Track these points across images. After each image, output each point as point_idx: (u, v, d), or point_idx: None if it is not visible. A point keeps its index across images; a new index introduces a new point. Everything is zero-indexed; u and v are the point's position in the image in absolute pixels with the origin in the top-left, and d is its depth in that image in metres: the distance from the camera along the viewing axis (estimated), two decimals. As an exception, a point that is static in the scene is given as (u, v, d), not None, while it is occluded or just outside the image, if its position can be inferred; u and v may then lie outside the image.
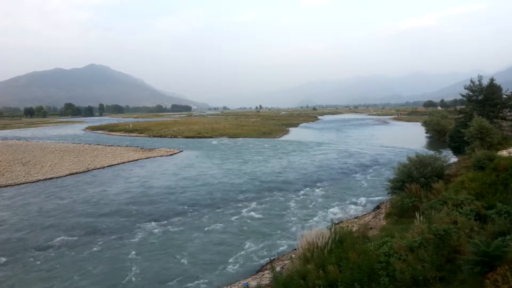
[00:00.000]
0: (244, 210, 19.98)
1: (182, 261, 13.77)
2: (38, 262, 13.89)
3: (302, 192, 23.96)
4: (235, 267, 13.20)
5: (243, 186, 25.91)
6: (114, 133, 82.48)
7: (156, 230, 17.13)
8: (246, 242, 15.37)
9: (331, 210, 19.75)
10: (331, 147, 49.11)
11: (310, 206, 20.69)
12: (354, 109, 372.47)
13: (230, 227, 17.42)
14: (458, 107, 43.26)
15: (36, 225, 18.13)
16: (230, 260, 13.69)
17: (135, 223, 18.09)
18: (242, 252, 14.38)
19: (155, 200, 22.34)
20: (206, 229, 17.15)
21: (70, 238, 16.25)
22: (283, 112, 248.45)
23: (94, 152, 45.07)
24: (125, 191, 24.85)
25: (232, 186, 25.97)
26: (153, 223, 18.12)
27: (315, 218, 18.24)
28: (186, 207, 20.72)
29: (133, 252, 14.56)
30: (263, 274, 12.11)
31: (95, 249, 15.04)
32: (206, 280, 12.21)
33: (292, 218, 18.48)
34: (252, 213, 19.44)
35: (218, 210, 20.13)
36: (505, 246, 7.36)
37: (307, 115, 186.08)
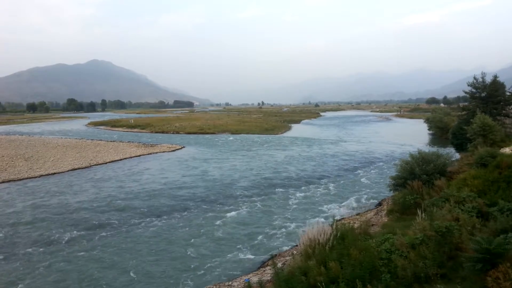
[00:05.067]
0: (246, 206, 20.02)
1: (185, 255, 13.82)
2: (38, 258, 13.96)
3: (304, 188, 23.97)
4: (237, 263, 13.24)
5: (245, 182, 25.93)
6: (116, 128, 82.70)
7: (159, 225, 17.20)
8: (248, 238, 15.41)
9: (333, 206, 19.77)
10: (333, 144, 49.06)
11: (312, 202, 20.71)
12: (357, 105, 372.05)
13: (231, 222, 17.44)
14: (461, 104, 43.16)
15: (38, 220, 18.19)
16: (232, 256, 13.73)
17: (137, 218, 18.14)
18: (244, 248, 14.42)
19: (157, 196, 22.39)
20: (207, 224, 17.20)
21: (73, 233, 16.31)
22: (285, 109, 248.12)
23: (96, 148, 45.18)
24: (126, 187, 24.92)
25: (234, 182, 26.00)
26: (155, 218, 18.19)
27: (316, 214, 18.26)
28: (188, 203, 20.77)
29: (137, 246, 14.65)
30: (264, 270, 12.14)
31: (96, 244, 15.12)
32: (208, 276, 12.26)
33: (294, 214, 18.51)
34: (254, 209, 19.49)
35: (220, 206, 20.17)
36: (507, 244, 7.34)
37: (309, 111, 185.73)
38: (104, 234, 16.22)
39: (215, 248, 14.50)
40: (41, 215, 18.99)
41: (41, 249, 14.65)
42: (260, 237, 15.55)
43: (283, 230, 16.33)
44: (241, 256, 13.75)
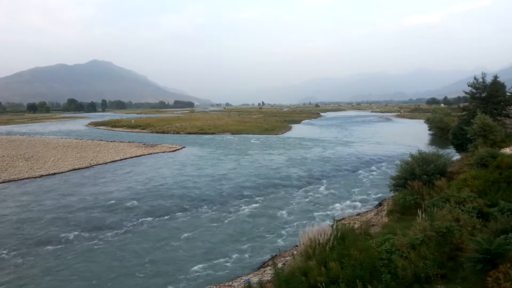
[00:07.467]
0: (246, 206, 20.02)
1: (184, 255, 13.83)
2: (39, 258, 13.98)
3: (304, 189, 23.97)
4: (237, 263, 13.25)
5: (245, 182, 25.93)
6: (116, 129, 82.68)
7: (158, 225, 17.22)
8: (248, 238, 15.41)
9: (333, 206, 19.76)
10: (333, 144, 49.06)
11: (312, 202, 20.71)
12: (357, 106, 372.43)
13: (232, 223, 17.46)
14: (461, 105, 43.16)
15: (38, 220, 18.19)
16: (232, 256, 13.73)
17: (137, 219, 18.14)
18: (243, 248, 14.42)
19: (157, 196, 22.37)
20: (208, 224, 17.21)
21: (73, 233, 16.31)
22: (286, 109, 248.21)
23: (96, 148, 45.19)
24: (126, 188, 24.91)
25: (235, 182, 26.00)
26: (155, 218, 18.20)
27: (317, 215, 18.25)
28: (188, 203, 20.76)
29: (135, 247, 14.66)
30: (264, 271, 12.14)
31: (97, 244, 15.14)
32: (208, 276, 12.26)
33: (294, 215, 18.50)
34: (254, 210, 19.49)
35: (220, 206, 20.17)
36: (507, 244, 7.33)
37: (310, 112, 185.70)
38: (103, 234, 16.22)
39: (214, 248, 14.49)
40: (39, 215, 18.95)
41: (37, 249, 14.66)
42: (260, 236, 15.56)
43: (283, 229, 16.31)
44: (241, 256, 13.75)
